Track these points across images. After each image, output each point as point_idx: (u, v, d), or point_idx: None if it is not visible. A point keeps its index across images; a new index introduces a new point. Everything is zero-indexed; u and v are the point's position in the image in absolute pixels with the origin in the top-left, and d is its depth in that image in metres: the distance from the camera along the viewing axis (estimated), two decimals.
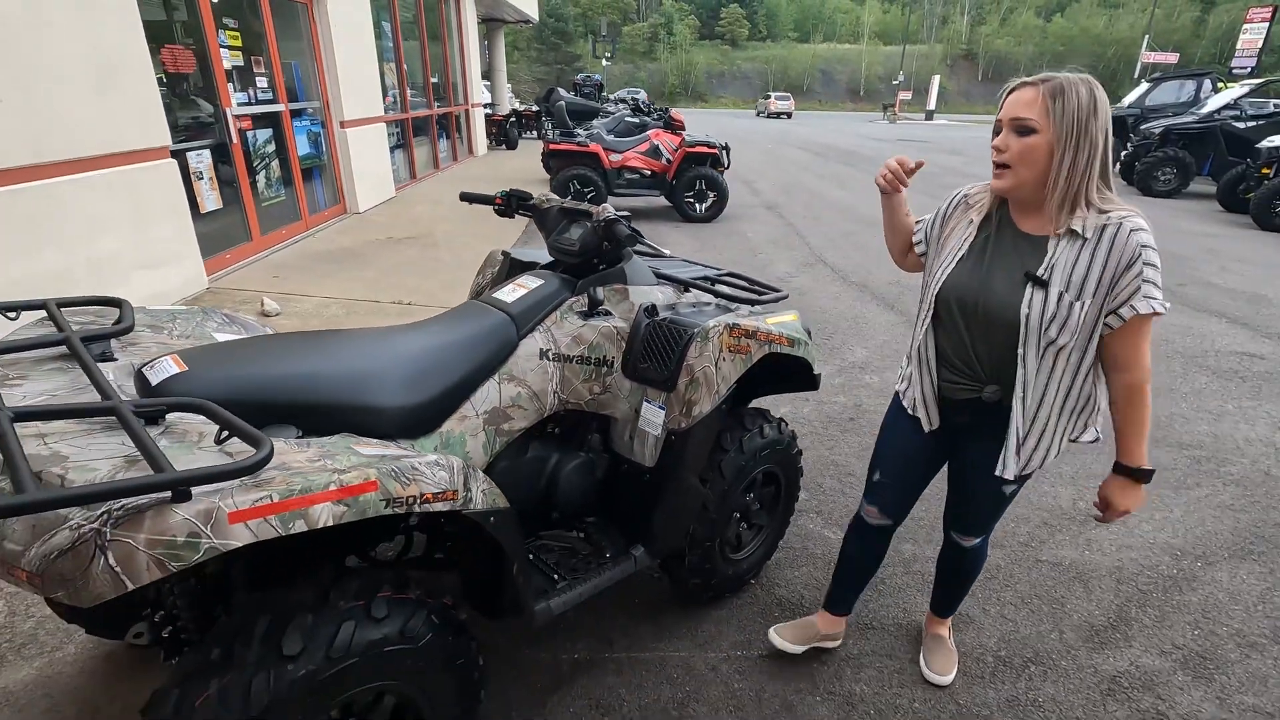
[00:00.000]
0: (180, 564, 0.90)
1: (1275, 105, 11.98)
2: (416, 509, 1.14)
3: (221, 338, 1.65)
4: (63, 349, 1.36)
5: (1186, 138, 10.48)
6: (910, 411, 1.61)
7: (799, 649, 1.92)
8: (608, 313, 1.84)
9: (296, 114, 6.53)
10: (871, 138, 22.78)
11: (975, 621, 2.13)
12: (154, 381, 1.25)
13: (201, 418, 1.17)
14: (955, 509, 1.75)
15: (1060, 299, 1.29)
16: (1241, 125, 10.15)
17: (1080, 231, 1.29)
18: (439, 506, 1.18)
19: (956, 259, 1.44)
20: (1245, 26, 31.41)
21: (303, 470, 1.05)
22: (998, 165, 1.33)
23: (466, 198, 2.21)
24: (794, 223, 8.09)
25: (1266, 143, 8.60)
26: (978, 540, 1.76)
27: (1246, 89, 11.36)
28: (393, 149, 8.83)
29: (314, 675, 1.11)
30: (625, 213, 1.84)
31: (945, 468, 1.73)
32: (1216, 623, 2.15)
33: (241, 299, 4.70)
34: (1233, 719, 1.81)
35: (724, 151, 7.81)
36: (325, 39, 6.94)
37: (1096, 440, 1.49)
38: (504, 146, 15.16)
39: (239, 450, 1.07)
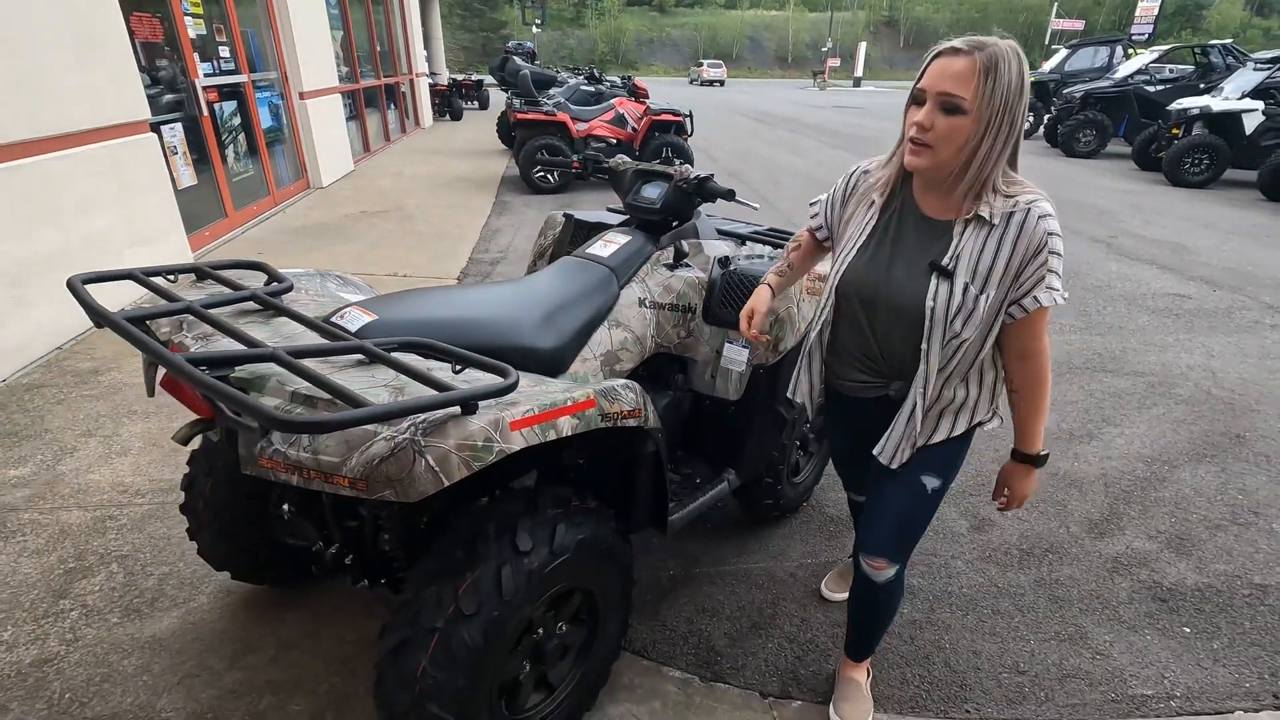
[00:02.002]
0: (479, 464, 1.08)
1: (1171, 70, 13.01)
2: (618, 423, 1.34)
3: (346, 294, 1.77)
4: (248, 304, 1.48)
5: (1103, 101, 11.29)
6: (797, 399, 1.57)
7: (844, 595, 2.04)
8: (689, 264, 2.05)
9: (258, 86, 6.32)
10: (809, 105, 23.27)
11: (996, 524, 2.48)
12: (353, 329, 1.39)
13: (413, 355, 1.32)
14: (865, 521, 1.52)
15: (966, 291, 1.20)
16: (1152, 89, 11.02)
17: (988, 218, 1.19)
18: (631, 422, 1.38)
19: (856, 247, 1.33)
20: None
21: (533, 394, 1.23)
22: (916, 143, 1.18)
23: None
24: (758, 188, 8.37)
25: (1175, 105, 9.39)
26: (892, 570, 1.49)
27: (1155, 54, 12.27)
28: (346, 121, 8.60)
29: (541, 568, 1.30)
30: (709, 172, 2.04)
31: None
32: (1187, 512, 2.57)
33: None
34: (1210, 582, 2.22)
35: (688, 119, 7.98)
36: (280, 4, 6.69)
37: (998, 425, 1.43)
38: (448, 117, 14.83)
39: (474, 378, 1.24)
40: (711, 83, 38.95)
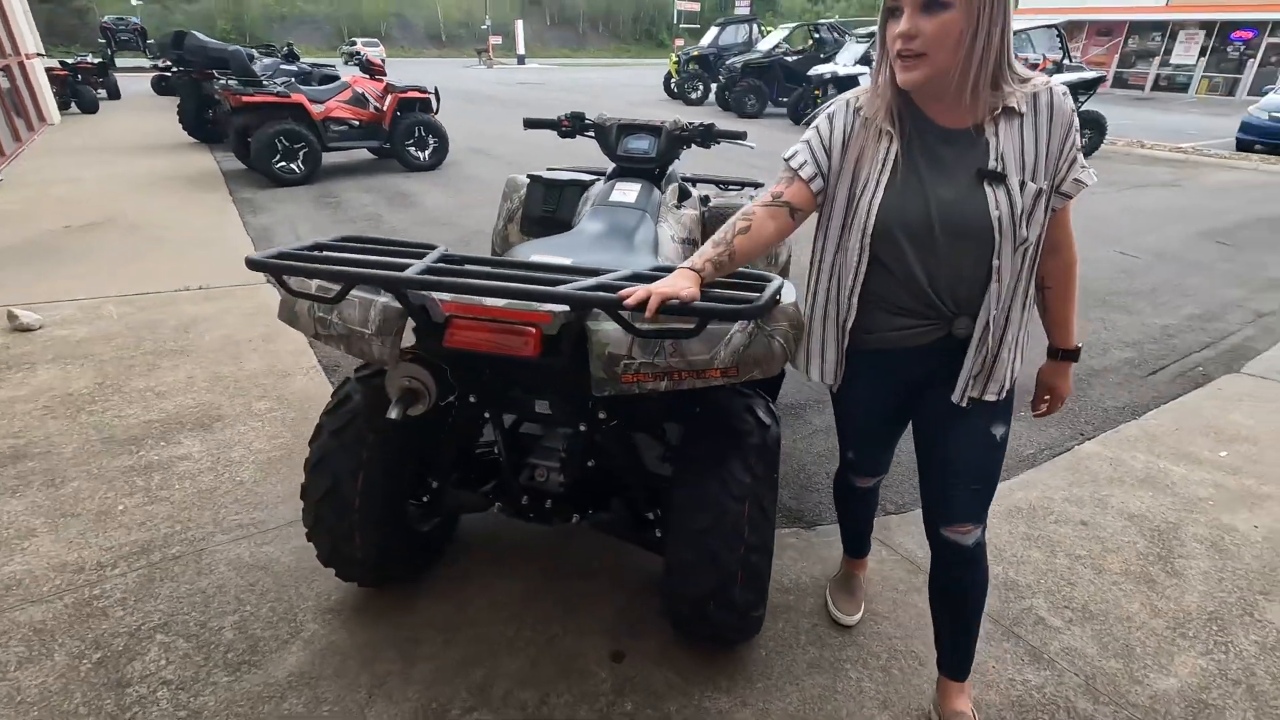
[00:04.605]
0: (794, 350, 1.33)
1: (786, 45, 16.11)
2: None
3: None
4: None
5: (758, 70, 13.65)
6: (816, 378, 1.40)
7: (859, 614, 1.85)
8: (686, 204, 2.38)
9: None
10: (495, 83, 23.38)
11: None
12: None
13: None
14: (939, 489, 1.38)
15: (1024, 188, 1.13)
16: (791, 60, 13.64)
17: (1016, 107, 1.13)
18: None
19: (882, 183, 1.18)
20: None
21: None
22: (906, 56, 1.09)
23: (531, 123, 2.42)
24: (513, 162, 8.52)
25: (814, 71, 11.85)
26: (979, 530, 1.37)
27: (787, 30, 15.10)
28: None
29: (778, 437, 1.59)
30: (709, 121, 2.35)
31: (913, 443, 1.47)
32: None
33: None
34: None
35: (434, 96, 7.76)
36: None
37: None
38: (74, 108, 11.82)
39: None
40: (354, 57, 36.53)
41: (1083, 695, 1.65)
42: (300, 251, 1.31)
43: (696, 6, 51.18)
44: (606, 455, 1.68)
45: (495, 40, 39.71)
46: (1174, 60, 25.96)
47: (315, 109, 7.02)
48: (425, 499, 1.75)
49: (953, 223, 1.16)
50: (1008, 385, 1.28)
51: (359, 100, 7.41)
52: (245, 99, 6.53)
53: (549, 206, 2.54)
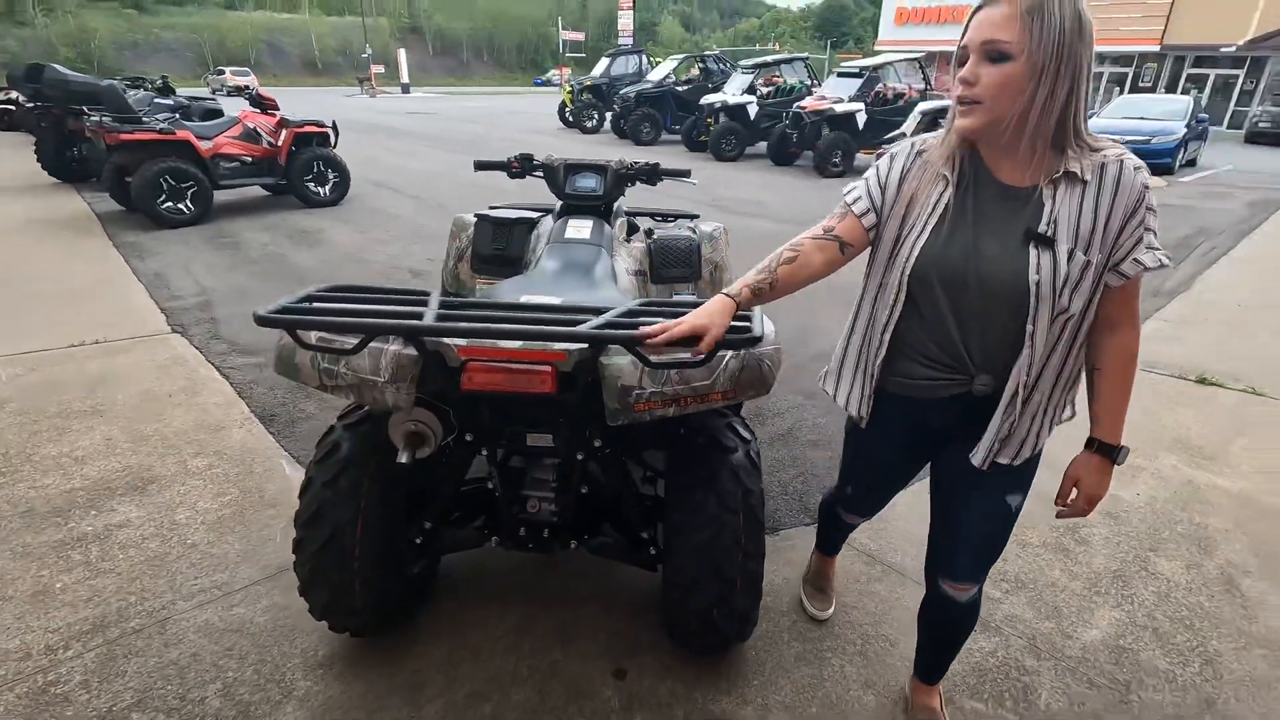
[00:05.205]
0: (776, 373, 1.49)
1: (673, 74, 16.76)
2: None
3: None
4: None
5: (652, 100, 14.14)
6: (844, 407, 1.44)
7: (831, 608, 2.00)
8: (634, 237, 2.52)
9: None
10: (383, 112, 22.80)
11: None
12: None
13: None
14: (945, 545, 1.42)
15: (1072, 257, 1.10)
16: (682, 90, 14.23)
17: (1079, 174, 1.10)
18: None
19: (928, 228, 1.19)
20: (620, 13, 41.39)
21: None
22: (964, 101, 1.10)
23: (482, 165, 2.47)
24: (418, 195, 8.39)
25: (706, 100, 12.43)
26: (976, 589, 1.42)
27: (676, 62, 15.73)
28: None
29: (758, 449, 1.73)
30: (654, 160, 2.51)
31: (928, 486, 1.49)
32: None
33: None
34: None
35: (333, 130, 7.54)
36: None
37: (1073, 417, 1.32)
38: None
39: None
40: (240, 90, 34.63)
41: (1028, 654, 1.89)
42: (303, 305, 1.33)
43: (581, 36, 52.55)
44: (598, 482, 1.77)
45: (378, 69, 38.81)
46: None
47: (203, 145, 6.65)
48: (418, 541, 1.76)
49: (990, 278, 1.15)
50: (1027, 454, 1.27)
51: (251, 135, 7.09)
52: (124, 137, 6.10)
53: (499, 245, 2.60)
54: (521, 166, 2.50)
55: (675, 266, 2.52)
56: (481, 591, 2.06)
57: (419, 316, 1.27)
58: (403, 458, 1.42)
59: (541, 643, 1.87)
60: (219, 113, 8.08)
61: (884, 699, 1.75)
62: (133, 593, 2.01)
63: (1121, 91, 22.93)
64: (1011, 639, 1.94)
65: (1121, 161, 1.11)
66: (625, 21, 40.12)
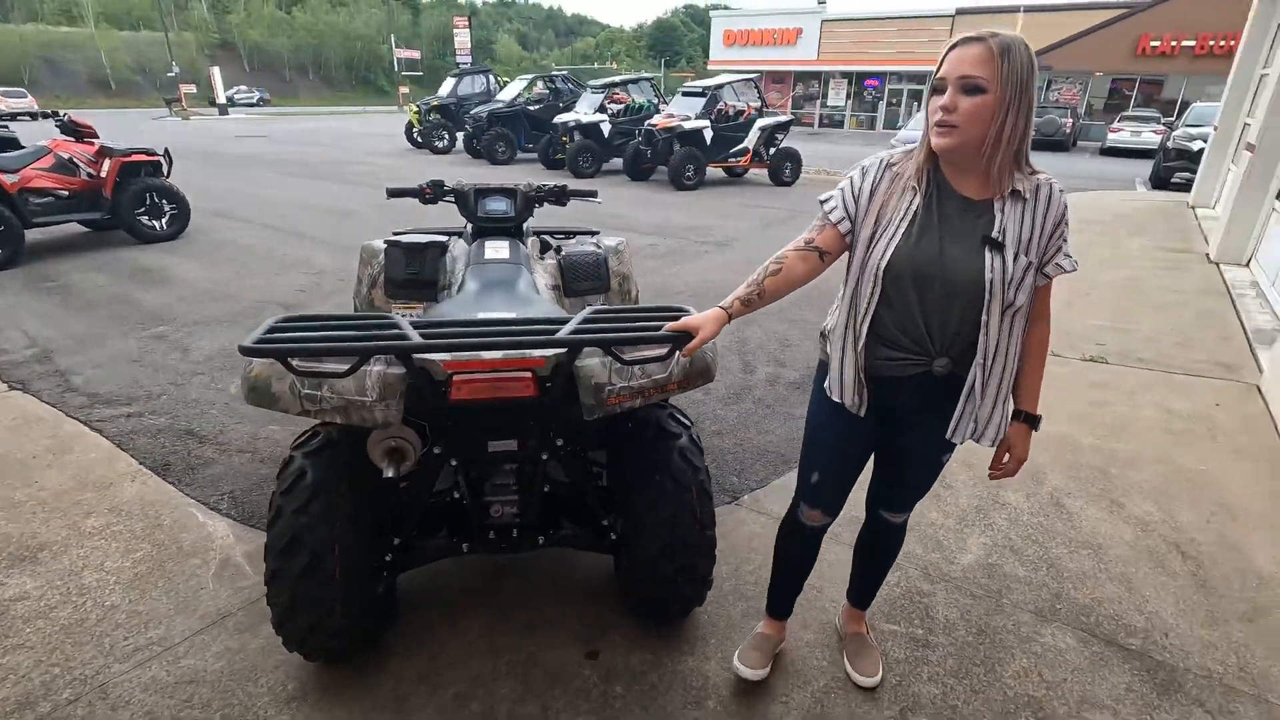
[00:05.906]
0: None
1: (524, 94, 16.94)
2: None
3: None
4: None
5: (505, 119, 14.17)
6: (837, 398, 1.54)
7: (765, 670, 1.85)
8: (547, 255, 2.69)
9: None
10: (213, 137, 20.81)
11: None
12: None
13: None
14: (888, 488, 1.72)
15: (1017, 259, 1.32)
16: (534, 109, 14.39)
17: (1023, 192, 1.32)
18: None
19: (900, 232, 1.36)
20: (456, 31, 40.75)
21: None
22: (942, 125, 1.27)
23: (394, 193, 2.50)
24: (270, 224, 7.90)
25: (560, 119, 12.68)
26: (906, 516, 1.78)
27: (525, 81, 15.83)
28: None
29: (697, 432, 1.96)
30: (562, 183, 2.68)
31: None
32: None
33: None
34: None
35: (166, 158, 6.94)
36: None
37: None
38: None
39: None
40: (12, 116, 30.02)
41: (923, 581, 2.27)
42: (277, 335, 1.37)
43: (417, 54, 50.99)
44: (557, 480, 1.91)
45: (188, 88, 35.27)
46: (830, 102, 32.24)
47: (6, 179, 5.89)
48: (388, 558, 1.81)
49: (953, 275, 1.34)
50: (999, 435, 1.49)
51: (65, 167, 6.35)
52: None
53: (412, 269, 2.65)
54: (434, 192, 2.58)
55: (586, 280, 2.70)
56: (444, 604, 2.12)
57: (404, 338, 1.37)
58: (388, 473, 1.50)
59: (514, 640, 1.98)
60: (15, 142, 7.13)
61: (820, 635, 2.04)
62: (55, 664, 1.87)
63: (918, 107, 26.15)
64: (909, 571, 2.32)
65: (1051, 184, 1.35)
66: (462, 40, 39.51)
